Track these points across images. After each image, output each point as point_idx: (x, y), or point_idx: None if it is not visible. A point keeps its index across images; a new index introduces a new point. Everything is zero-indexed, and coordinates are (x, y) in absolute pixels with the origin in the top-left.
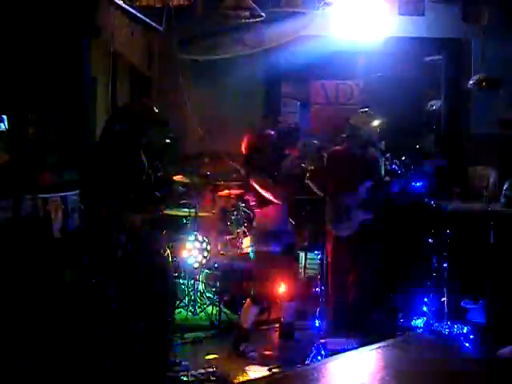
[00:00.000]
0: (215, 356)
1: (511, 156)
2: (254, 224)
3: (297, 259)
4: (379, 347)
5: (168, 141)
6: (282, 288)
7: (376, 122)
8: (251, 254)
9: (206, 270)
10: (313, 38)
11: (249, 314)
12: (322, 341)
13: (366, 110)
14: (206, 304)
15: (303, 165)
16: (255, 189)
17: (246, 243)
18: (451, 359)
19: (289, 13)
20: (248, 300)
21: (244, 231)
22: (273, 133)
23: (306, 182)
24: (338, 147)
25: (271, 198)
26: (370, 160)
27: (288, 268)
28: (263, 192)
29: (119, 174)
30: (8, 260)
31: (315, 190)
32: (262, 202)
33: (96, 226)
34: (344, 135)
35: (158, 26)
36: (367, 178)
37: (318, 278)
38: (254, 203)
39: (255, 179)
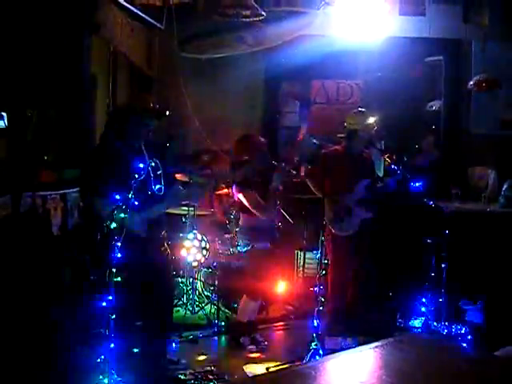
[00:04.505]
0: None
1: (510, 156)
2: (240, 222)
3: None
4: (377, 346)
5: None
6: (280, 283)
7: (371, 121)
8: (242, 252)
9: (205, 269)
10: (313, 38)
11: (245, 308)
12: (321, 340)
13: (361, 109)
14: (204, 303)
15: (294, 172)
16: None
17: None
18: (449, 359)
19: (290, 12)
20: (244, 296)
21: None
22: (263, 140)
23: (305, 180)
24: (335, 147)
25: (254, 211)
26: (367, 159)
27: (281, 263)
28: (247, 204)
29: (119, 172)
30: (6, 257)
31: (313, 190)
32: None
33: (95, 225)
34: (342, 135)
35: (158, 25)
36: (365, 177)
37: (316, 278)
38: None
39: (242, 191)
